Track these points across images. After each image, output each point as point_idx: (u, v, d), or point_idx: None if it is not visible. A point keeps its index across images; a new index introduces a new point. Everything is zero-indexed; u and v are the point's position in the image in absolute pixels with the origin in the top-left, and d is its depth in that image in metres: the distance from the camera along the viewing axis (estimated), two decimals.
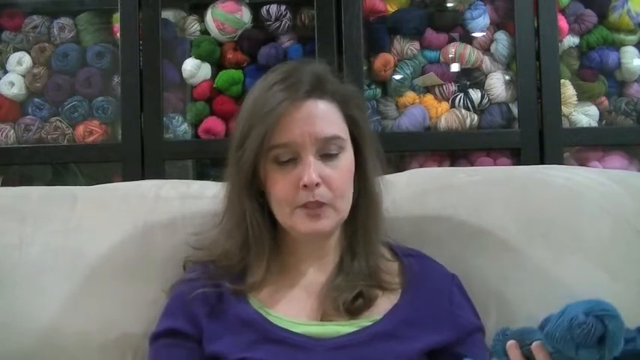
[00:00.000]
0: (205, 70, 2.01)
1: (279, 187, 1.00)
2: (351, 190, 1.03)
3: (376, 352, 0.97)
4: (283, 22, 2.00)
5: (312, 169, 0.97)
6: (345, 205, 1.02)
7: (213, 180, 1.30)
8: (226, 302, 1.02)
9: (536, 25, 1.92)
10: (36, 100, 2.06)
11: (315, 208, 0.98)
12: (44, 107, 2.06)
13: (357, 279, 1.01)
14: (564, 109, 1.94)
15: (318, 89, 1.01)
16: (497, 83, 1.98)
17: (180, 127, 2.02)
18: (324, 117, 1.00)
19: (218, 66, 2.04)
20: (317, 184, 0.97)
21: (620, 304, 1.13)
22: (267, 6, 2.00)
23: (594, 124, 2.00)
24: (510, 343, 0.85)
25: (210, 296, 1.02)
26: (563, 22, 1.97)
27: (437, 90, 2.01)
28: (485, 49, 2.01)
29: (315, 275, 1.05)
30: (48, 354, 1.14)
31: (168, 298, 1.07)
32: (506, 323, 1.11)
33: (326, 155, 1.00)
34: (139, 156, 1.93)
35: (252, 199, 1.02)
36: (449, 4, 2.10)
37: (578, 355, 0.79)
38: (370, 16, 2.02)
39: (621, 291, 1.13)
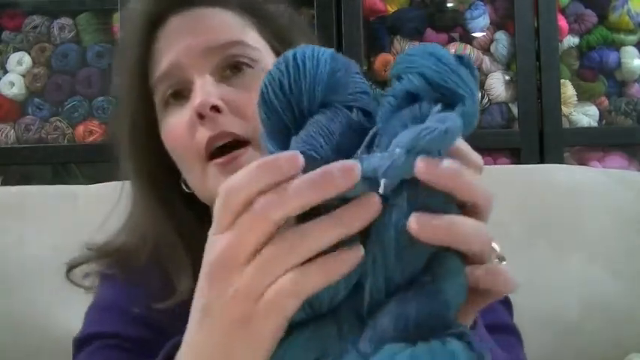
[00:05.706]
0: None
1: (171, 132, 0.71)
2: None
3: None
4: None
5: (208, 88, 0.67)
6: None
7: None
8: None
9: (536, 25, 1.92)
10: (36, 100, 2.06)
11: (226, 148, 0.67)
12: (44, 107, 2.06)
13: None
14: (564, 109, 1.94)
15: None
16: (497, 83, 1.98)
17: None
18: (215, 22, 0.71)
19: None
20: (217, 109, 0.66)
21: (621, 301, 1.14)
22: None
23: (594, 124, 2.00)
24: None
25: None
26: (563, 22, 1.97)
27: None
28: (485, 49, 2.01)
29: None
30: (48, 354, 1.14)
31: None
32: None
33: (231, 70, 0.70)
34: None
35: (153, 185, 0.77)
36: (449, 4, 2.10)
37: None
38: (370, 16, 2.02)
39: (623, 288, 1.14)
